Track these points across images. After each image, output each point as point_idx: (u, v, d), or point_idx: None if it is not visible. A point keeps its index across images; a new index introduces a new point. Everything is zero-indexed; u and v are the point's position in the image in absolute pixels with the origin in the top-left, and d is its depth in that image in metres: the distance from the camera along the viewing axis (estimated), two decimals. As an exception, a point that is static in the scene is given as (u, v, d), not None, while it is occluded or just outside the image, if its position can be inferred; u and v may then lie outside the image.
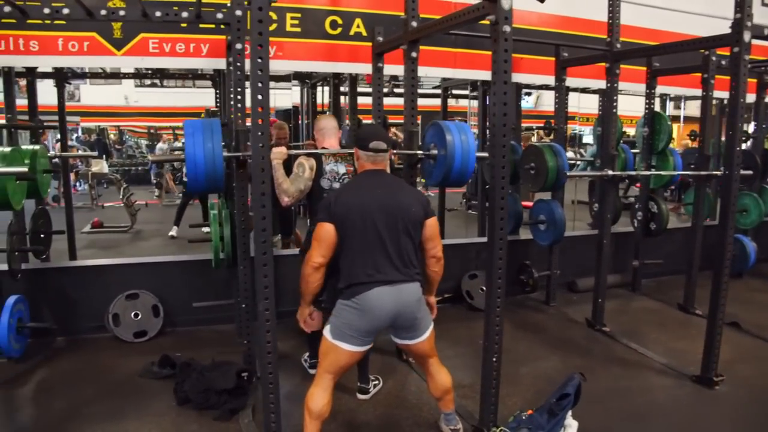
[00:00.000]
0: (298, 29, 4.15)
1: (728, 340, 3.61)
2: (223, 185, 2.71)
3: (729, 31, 3.15)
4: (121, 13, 2.82)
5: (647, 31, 5.25)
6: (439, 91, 7.57)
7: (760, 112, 5.75)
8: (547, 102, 7.80)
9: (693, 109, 10.36)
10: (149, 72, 6.17)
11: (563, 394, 2.55)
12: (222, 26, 3.19)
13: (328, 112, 7.18)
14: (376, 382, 3.29)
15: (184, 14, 2.89)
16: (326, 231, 2.35)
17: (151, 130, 16.42)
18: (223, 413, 2.91)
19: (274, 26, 4.03)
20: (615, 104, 4.09)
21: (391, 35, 3.76)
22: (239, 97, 3.05)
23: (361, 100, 6.50)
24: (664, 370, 3.66)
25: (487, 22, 2.39)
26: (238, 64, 2.99)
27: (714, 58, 4.42)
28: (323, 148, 3.13)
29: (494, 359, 2.67)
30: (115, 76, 6.21)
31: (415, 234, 2.41)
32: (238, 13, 2.91)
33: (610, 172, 4.09)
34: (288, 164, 3.04)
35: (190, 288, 4.19)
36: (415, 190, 2.60)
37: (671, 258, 5.73)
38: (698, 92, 5.65)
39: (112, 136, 16.77)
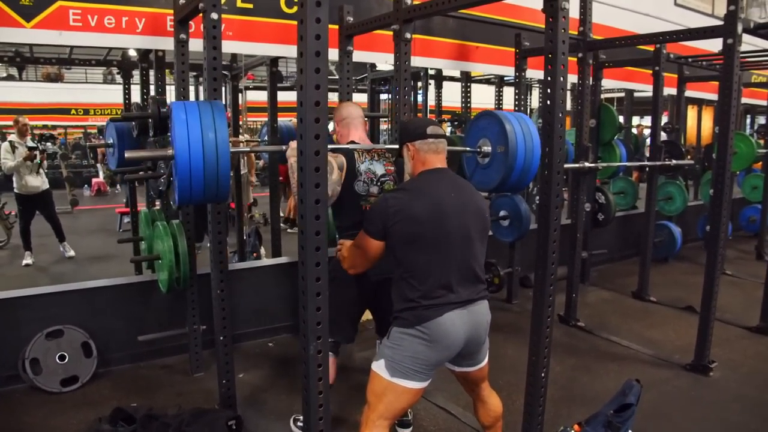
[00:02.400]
0: (250, 5, 3.56)
1: (691, 325, 3.67)
2: (227, 194, 2.05)
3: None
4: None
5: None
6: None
7: (681, 105, 6.09)
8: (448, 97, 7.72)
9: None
10: (41, 59, 5.10)
11: (624, 405, 2.31)
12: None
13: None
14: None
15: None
16: (372, 246, 1.97)
17: (3, 130, 14.27)
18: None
19: (223, 0, 3.41)
20: (588, 96, 4.00)
21: (358, 17, 3.36)
22: (214, 79, 2.46)
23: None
24: (655, 361, 3.63)
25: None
26: (214, 37, 2.40)
27: (664, 52, 4.50)
28: (351, 142, 2.48)
29: (542, 375, 2.37)
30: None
31: (485, 242, 2.06)
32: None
33: (587, 164, 4.00)
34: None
35: (127, 318, 3.44)
36: (480, 193, 2.18)
37: (606, 246, 5.91)
38: (632, 85, 6.00)
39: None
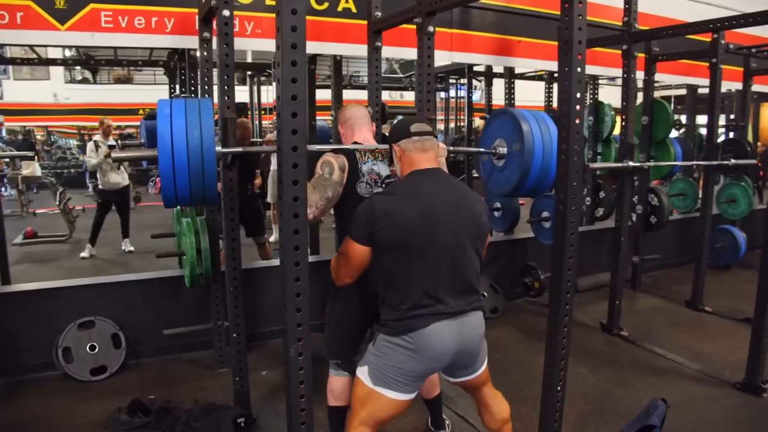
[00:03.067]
0: (279, 3, 3.55)
1: (748, 339, 3.33)
2: (215, 195, 1.97)
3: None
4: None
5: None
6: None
7: (748, 100, 5.62)
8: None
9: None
10: (91, 59, 5.36)
11: (647, 426, 2.13)
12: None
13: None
14: (449, 421, 2.75)
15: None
16: (357, 253, 1.84)
17: (82, 131, 15.19)
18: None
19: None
20: (633, 91, 3.75)
21: (390, 11, 3.28)
22: (226, 76, 2.46)
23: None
24: (701, 377, 3.34)
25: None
26: (226, 34, 2.39)
27: (722, 42, 4.16)
28: (355, 143, 2.35)
29: (558, 388, 2.22)
30: (51, 62, 5.37)
31: (481, 250, 1.93)
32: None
33: (631, 164, 3.75)
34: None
35: (156, 311, 3.53)
36: (476, 194, 2.05)
37: (662, 251, 5.56)
38: (694, 80, 5.60)
39: (38, 136, 15.40)
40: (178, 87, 4.30)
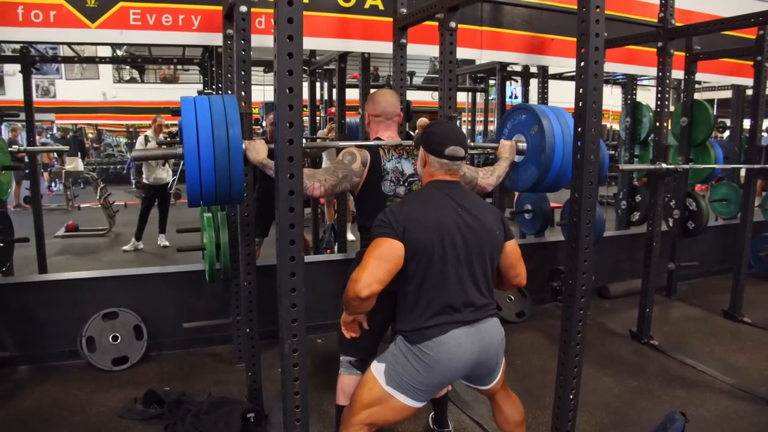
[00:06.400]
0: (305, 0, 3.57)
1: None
2: (242, 194, 1.90)
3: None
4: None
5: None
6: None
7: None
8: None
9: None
10: (128, 58, 5.52)
11: (664, 442, 2.02)
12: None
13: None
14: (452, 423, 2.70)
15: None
16: (392, 248, 1.72)
17: (131, 129, 15.70)
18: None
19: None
20: (668, 90, 3.59)
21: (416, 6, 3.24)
22: (242, 72, 2.47)
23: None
24: (734, 391, 3.17)
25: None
26: (243, 30, 2.41)
27: (769, 38, 3.94)
28: (377, 139, 2.27)
29: (571, 397, 2.13)
30: (90, 60, 5.56)
31: (495, 262, 1.91)
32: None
33: (665, 166, 3.59)
34: None
35: (179, 305, 3.58)
36: (492, 207, 2.04)
37: (702, 259, 5.31)
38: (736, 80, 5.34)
39: (90, 135, 16.00)
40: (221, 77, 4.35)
